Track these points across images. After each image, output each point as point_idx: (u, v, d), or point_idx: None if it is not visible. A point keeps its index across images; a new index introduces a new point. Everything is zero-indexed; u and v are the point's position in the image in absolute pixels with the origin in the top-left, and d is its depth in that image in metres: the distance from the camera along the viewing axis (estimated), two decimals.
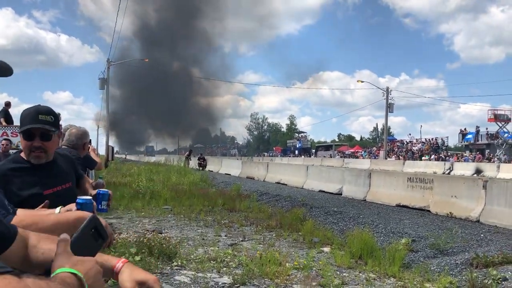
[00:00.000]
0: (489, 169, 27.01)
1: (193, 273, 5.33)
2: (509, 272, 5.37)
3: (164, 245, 5.87)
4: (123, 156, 69.37)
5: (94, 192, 2.40)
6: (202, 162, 31.98)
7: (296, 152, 71.55)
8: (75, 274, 0.84)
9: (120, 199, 11.77)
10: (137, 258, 5.45)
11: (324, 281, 5.05)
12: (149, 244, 5.81)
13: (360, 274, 5.71)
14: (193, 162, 33.36)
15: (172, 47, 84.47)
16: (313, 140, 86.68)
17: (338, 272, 5.69)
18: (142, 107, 77.15)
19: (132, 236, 6.86)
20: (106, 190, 2.10)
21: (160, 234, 7.08)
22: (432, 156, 41.26)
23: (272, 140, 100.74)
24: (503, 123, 40.66)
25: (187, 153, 37.68)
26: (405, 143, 52.10)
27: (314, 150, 70.51)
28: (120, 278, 1.26)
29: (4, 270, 0.75)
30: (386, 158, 44.26)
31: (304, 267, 5.69)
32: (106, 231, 1.01)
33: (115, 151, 38.94)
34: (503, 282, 5.12)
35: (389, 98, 45.12)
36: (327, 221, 9.59)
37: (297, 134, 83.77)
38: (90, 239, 0.97)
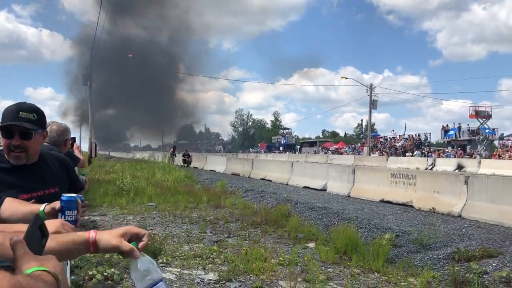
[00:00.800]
0: (470, 165, 27.41)
1: (179, 270, 5.33)
2: (490, 266, 5.47)
3: (149, 242, 5.84)
4: (107, 153, 68.63)
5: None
6: (187, 159, 31.85)
7: (281, 148, 71.64)
8: (48, 272, 0.84)
9: (104, 196, 11.68)
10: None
11: (309, 277, 5.09)
12: None
13: (345, 270, 5.76)
14: (178, 159, 33.22)
15: (155, 40, 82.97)
16: (297, 136, 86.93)
17: (323, 268, 5.73)
18: (122, 101, 75.21)
19: None
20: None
21: None
22: (416, 152, 41.76)
23: (257, 137, 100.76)
24: (484, 119, 41.31)
25: (172, 149, 37.51)
26: (389, 139, 52.63)
27: (298, 146, 70.69)
28: (102, 242, 1.26)
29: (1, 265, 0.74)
30: (369, 154, 44.64)
31: (289, 263, 5.72)
32: (47, 230, 1.01)
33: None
34: (484, 276, 5.22)
35: (372, 94, 45.50)
36: (311, 217, 9.65)
37: (282, 131, 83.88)
38: (37, 239, 0.97)
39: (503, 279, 5.04)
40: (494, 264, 5.51)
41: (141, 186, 13.50)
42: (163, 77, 77.18)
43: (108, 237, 1.28)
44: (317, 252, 6.55)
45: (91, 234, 1.27)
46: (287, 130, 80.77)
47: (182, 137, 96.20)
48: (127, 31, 75.51)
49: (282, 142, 74.12)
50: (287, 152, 61.11)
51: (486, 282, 5.06)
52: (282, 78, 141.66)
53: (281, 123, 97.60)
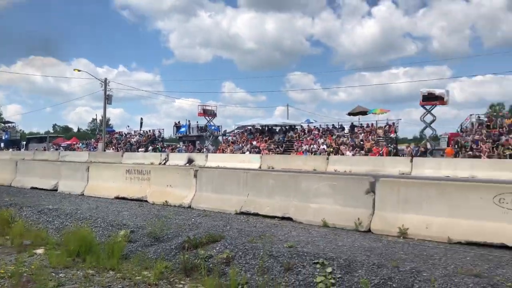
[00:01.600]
0: (199, 159, 30.05)
1: None
2: (214, 250, 6.15)
3: None
4: None
5: None
6: None
7: (2, 145, 63.35)
8: None
9: None
10: None
11: (37, 286, 4.69)
12: None
13: (78, 272, 5.55)
14: None
15: None
16: (23, 131, 78.06)
17: (53, 274, 5.37)
18: None
19: None
20: None
21: None
22: (150, 147, 43.13)
23: None
24: (210, 117, 45.80)
25: None
26: (124, 134, 52.71)
27: (25, 143, 63.99)
28: None
29: None
30: (104, 150, 43.85)
31: (12, 275, 5.14)
32: None
33: None
34: (209, 259, 5.85)
35: (107, 89, 44.76)
36: (40, 220, 8.87)
37: (3, 125, 73.98)
38: None
39: (224, 260, 5.76)
40: (217, 248, 6.22)
41: None
42: None
43: None
44: (47, 258, 6.08)
45: None
46: (9, 124, 71.78)
47: None
48: None
49: (4, 138, 65.67)
50: (10, 149, 54.45)
51: (211, 264, 5.67)
52: (2, 65, 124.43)
53: (2, 116, 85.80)
